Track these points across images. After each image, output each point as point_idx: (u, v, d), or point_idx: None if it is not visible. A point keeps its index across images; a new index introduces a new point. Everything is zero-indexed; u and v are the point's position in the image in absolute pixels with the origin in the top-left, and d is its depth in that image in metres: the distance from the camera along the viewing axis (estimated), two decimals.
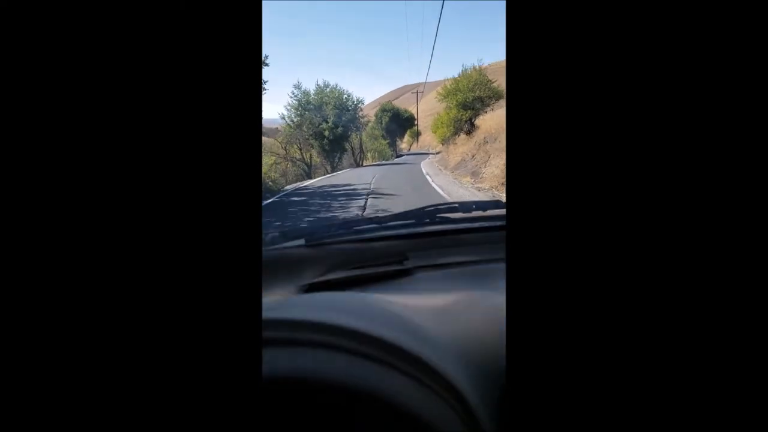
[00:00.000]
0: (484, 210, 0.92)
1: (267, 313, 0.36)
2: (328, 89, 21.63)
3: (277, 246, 0.79)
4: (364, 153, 28.11)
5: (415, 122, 41.74)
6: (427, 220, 0.89)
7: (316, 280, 0.65)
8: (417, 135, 46.05)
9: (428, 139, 41.45)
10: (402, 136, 43.69)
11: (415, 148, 44.12)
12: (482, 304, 0.48)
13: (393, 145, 35.13)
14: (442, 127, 16.82)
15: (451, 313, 0.44)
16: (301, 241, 0.78)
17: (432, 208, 0.91)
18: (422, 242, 0.80)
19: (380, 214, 0.99)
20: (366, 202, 6.99)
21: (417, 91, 45.52)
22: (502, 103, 14.42)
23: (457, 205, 0.94)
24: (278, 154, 17.77)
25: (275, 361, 0.30)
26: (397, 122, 37.45)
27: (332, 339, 0.32)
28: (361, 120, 23.52)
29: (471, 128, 14.50)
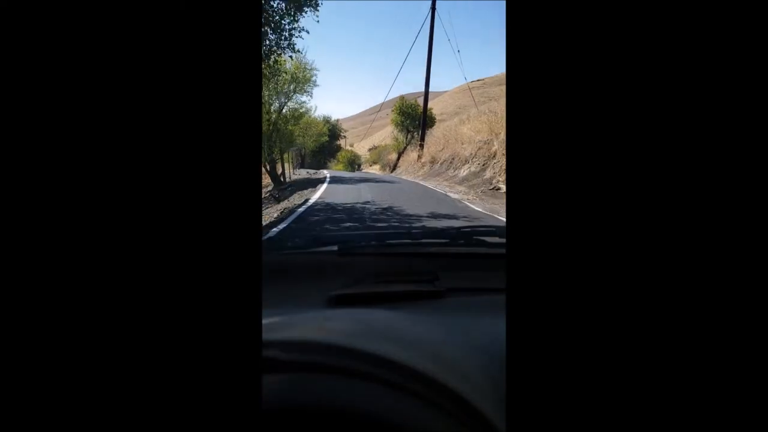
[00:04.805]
0: None
1: (295, 332, 0.36)
2: None
3: (309, 250, 0.83)
4: None
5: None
6: (462, 242, 0.89)
7: (346, 291, 0.64)
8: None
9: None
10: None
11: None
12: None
13: None
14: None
15: (486, 344, 0.43)
16: (334, 248, 0.80)
17: (468, 229, 0.94)
18: (455, 263, 0.80)
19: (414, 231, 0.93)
20: None
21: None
22: None
23: (494, 228, 0.96)
24: None
25: (303, 387, 0.29)
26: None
27: (360, 365, 0.31)
28: None
29: None
